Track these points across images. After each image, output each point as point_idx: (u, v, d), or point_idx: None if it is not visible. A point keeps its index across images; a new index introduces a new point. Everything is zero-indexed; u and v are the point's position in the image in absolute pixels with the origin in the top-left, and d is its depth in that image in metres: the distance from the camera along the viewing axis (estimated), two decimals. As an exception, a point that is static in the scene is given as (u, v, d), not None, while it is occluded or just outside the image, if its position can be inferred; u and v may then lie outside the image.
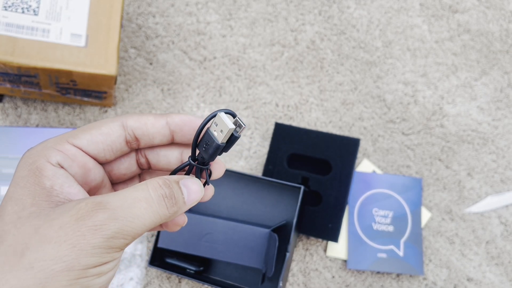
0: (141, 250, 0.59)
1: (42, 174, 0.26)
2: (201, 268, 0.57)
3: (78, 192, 0.27)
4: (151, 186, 0.26)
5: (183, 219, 0.31)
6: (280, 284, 0.52)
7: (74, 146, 0.28)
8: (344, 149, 0.62)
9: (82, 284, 0.23)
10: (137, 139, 0.29)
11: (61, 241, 0.23)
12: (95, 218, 0.24)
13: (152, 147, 0.30)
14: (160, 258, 0.58)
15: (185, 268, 0.57)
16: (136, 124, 0.28)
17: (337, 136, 0.63)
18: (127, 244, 0.25)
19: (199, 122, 0.29)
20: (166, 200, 0.27)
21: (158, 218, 0.26)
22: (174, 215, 0.27)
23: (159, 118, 0.29)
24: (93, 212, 0.24)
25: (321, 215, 0.60)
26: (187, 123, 0.29)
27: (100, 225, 0.24)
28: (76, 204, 0.24)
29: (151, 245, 0.60)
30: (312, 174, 0.62)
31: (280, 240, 0.55)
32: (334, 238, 0.60)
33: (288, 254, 0.52)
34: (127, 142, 0.29)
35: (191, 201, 0.28)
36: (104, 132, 0.28)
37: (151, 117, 0.29)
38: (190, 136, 0.29)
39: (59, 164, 0.27)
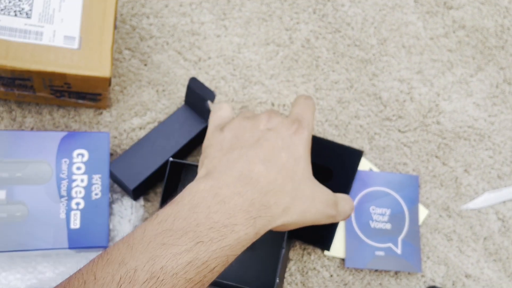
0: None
1: (310, 151, 0.44)
2: None
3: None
4: (353, 203, 0.49)
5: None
6: (277, 280, 0.51)
7: None
8: (346, 159, 0.61)
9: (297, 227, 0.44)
10: None
11: (316, 211, 0.43)
12: (331, 213, 0.45)
13: None
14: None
15: None
16: None
17: (340, 145, 0.62)
18: None
19: None
20: (349, 214, 0.50)
21: (339, 221, 0.50)
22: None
23: None
24: (333, 207, 0.45)
25: None
26: None
27: (328, 217, 0.45)
28: (328, 197, 0.44)
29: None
30: None
31: (276, 239, 0.55)
32: (326, 247, 0.60)
33: (283, 250, 0.52)
34: None
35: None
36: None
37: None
38: None
39: None
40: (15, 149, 0.53)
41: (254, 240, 0.38)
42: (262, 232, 0.39)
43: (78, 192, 0.53)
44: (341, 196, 0.47)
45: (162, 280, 0.32)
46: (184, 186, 0.62)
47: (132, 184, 0.57)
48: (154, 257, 0.33)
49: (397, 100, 0.70)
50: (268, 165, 0.40)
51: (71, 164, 0.54)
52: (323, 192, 0.43)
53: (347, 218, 0.48)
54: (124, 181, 0.57)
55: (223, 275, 0.58)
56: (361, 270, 0.63)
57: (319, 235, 0.59)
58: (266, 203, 0.39)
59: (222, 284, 0.57)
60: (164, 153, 0.59)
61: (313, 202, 0.42)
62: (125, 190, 0.59)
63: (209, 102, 0.61)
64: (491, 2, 0.76)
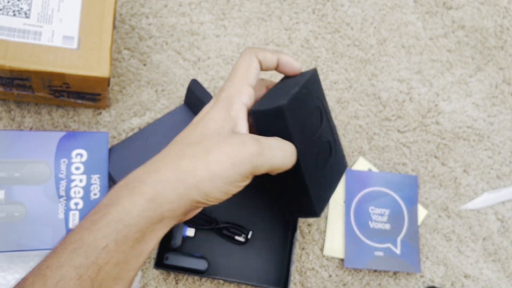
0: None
1: (233, 108, 0.39)
2: (207, 267, 0.58)
3: (243, 127, 0.39)
4: (290, 144, 0.39)
5: None
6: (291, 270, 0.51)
7: (252, 88, 0.40)
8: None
9: (224, 186, 0.37)
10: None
11: (228, 155, 0.36)
12: (251, 148, 0.37)
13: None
14: (160, 260, 0.58)
15: (189, 269, 0.58)
16: (262, 56, 0.41)
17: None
18: (256, 174, 0.38)
19: (295, 65, 0.42)
20: (292, 155, 0.39)
21: (283, 165, 0.38)
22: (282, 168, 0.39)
23: (274, 54, 0.42)
24: (252, 143, 0.37)
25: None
26: (287, 64, 0.42)
27: (250, 157, 0.36)
28: (243, 137, 0.37)
29: (147, 246, 0.60)
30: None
31: (279, 233, 0.55)
32: (314, 213, 0.44)
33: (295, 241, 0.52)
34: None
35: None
36: (257, 67, 0.41)
37: (269, 53, 0.41)
38: (286, 72, 0.43)
39: (246, 105, 0.39)
40: (13, 149, 0.53)
41: (158, 208, 0.36)
42: (162, 198, 0.36)
43: (77, 192, 0.53)
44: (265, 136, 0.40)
45: (47, 275, 0.33)
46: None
47: (120, 179, 0.57)
48: (42, 263, 0.34)
49: (396, 100, 0.70)
50: (167, 147, 0.40)
51: (70, 164, 0.54)
52: (237, 135, 0.38)
53: (287, 159, 0.38)
54: (113, 175, 0.57)
55: (228, 274, 0.58)
56: (360, 270, 0.63)
57: (298, 204, 0.44)
58: (151, 170, 0.37)
59: (228, 281, 0.57)
60: (156, 150, 0.59)
61: (219, 148, 0.37)
62: (113, 182, 0.59)
63: None
64: (491, 2, 0.76)
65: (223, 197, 0.38)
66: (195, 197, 0.36)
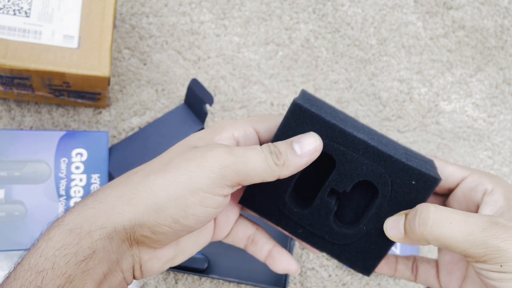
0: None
1: (220, 138, 0.33)
2: (207, 265, 0.58)
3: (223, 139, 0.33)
4: (263, 146, 0.32)
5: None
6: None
7: (254, 129, 0.35)
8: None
9: (189, 201, 0.29)
10: None
11: (192, 160, 0.30)
12: (217, 150, 0.30)
13: None
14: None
15: (189, 268, 0.58)
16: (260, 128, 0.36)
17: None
18: (238, 183, 0.31)
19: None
20: (273, 155, 0.31)
21: (267, 167, 0.31)
22: (285, 169, 0.32)
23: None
24: (217, 147, 0.30)
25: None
26: None
27: (219, 156, 0.30)
28: (209, 144, 0.32)
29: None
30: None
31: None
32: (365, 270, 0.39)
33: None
34: None
35: (306, 152, 0.32)
36: (277, 121, 0.35)
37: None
38: None
39: (235, 138, 0.34)
40: (14, 148, 0.53)
41: (84, 239, 0.28)
42: (89, 225, 0.28)
43: (76, 192, 0.53)
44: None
45: None
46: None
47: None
48: None
49: (396, 100, 0.70)
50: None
51: (70, 163, 0.54)
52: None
53: (267, 168, 0.32)
54: (113, 174, 0.57)
55: (227, 273, 0.59)
56: (360, 270, 0.63)
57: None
58: (80, 202, 0.30)
59: (228, 281, 0.57)
60: (156, 149, 0.59)
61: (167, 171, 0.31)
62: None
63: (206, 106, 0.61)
64: (491, 2, 0.76)
65: (175, 227, 0.30)
66: (143, 235, 0.30)
